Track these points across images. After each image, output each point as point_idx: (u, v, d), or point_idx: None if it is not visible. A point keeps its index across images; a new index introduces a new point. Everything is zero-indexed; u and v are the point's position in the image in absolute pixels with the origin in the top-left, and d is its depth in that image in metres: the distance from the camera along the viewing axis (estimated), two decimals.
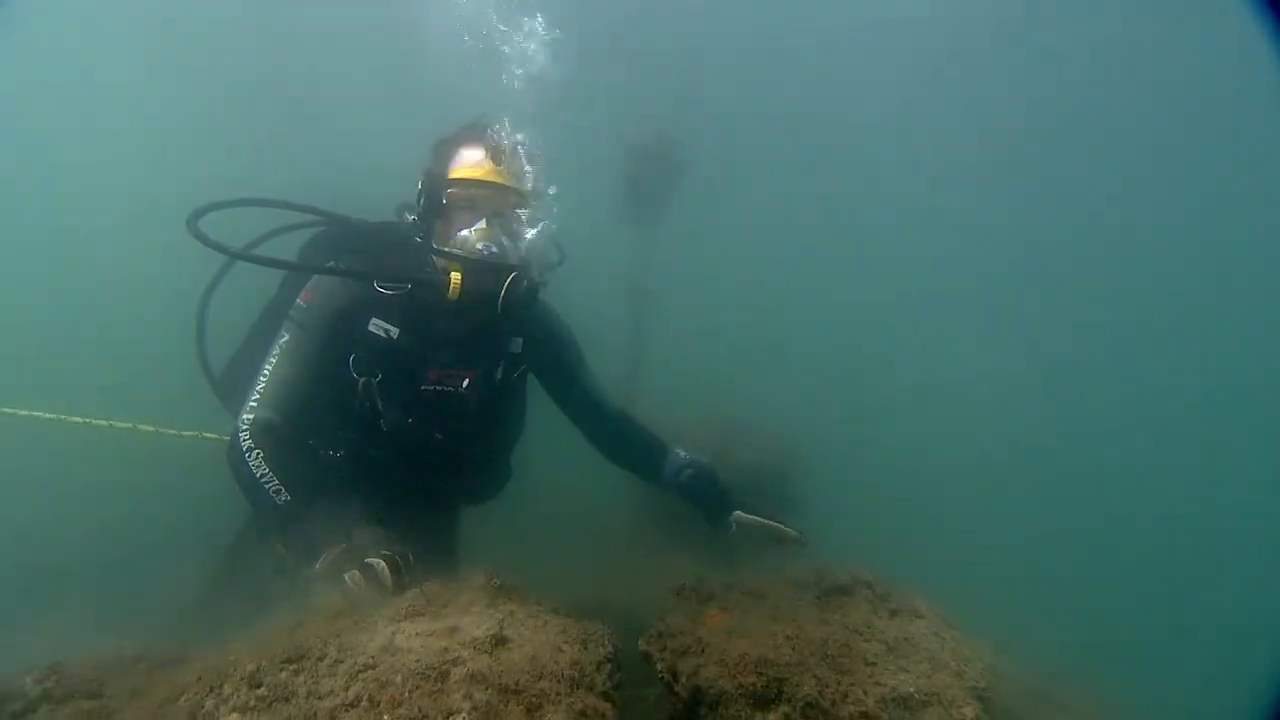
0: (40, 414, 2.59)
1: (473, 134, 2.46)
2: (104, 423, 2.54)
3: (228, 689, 1.26)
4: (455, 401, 2.47)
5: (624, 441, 2.84)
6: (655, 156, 6.66)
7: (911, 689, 1.47)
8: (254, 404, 2.34)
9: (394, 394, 2.41)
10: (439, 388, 2.46)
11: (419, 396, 2.44)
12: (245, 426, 2.31)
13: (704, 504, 2.66)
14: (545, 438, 2.93)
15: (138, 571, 2.68)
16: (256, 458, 2.24)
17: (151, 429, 2.62)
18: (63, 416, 2.56)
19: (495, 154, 2.40)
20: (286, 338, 2.37)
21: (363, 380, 2.36)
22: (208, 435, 2.71)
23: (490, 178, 2.38)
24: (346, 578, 1.95)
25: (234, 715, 1.17)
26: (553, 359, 2.75)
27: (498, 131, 2.43)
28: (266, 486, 2.20)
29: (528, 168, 2.43)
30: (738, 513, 2.57)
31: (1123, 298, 13.97)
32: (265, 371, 2.35)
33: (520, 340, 2.62)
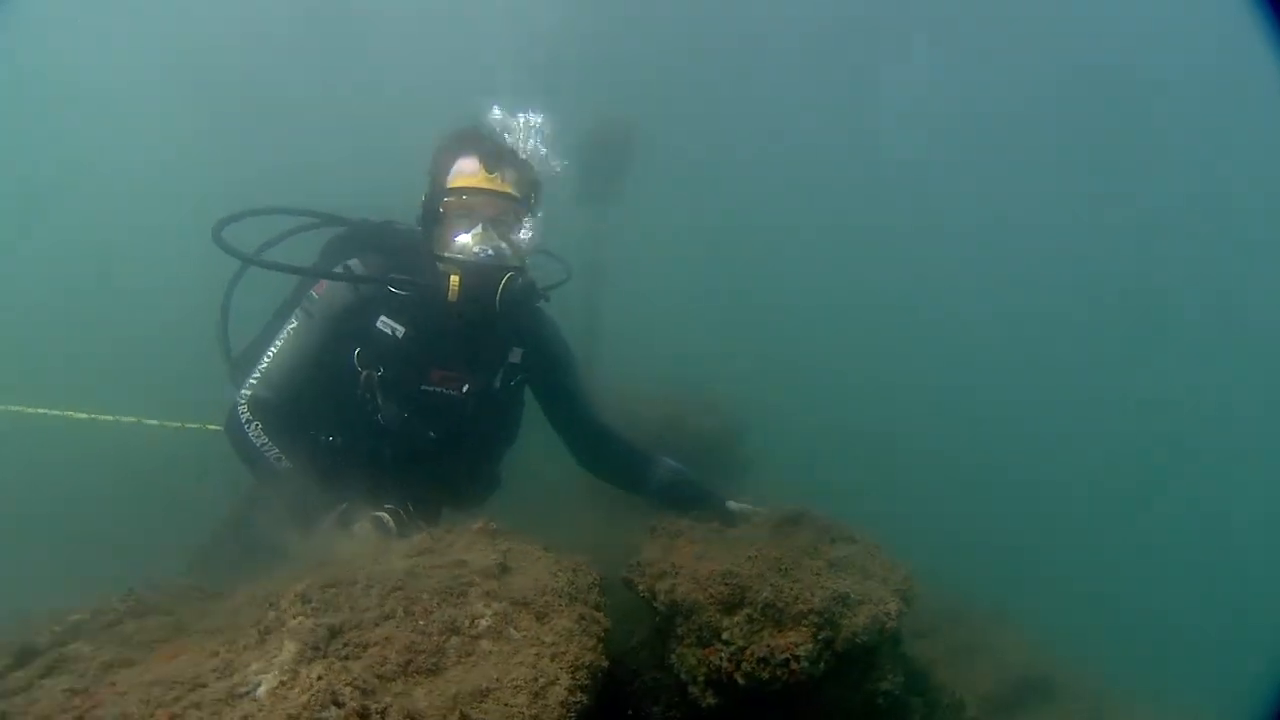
0: (48, 411, 2.64)
1: (468, 142, 2.55)
2: (110, 418, 2.62)
3: (283, 604, 1.48)
4: (453, 404, 2.58)
5: (608, 455, 2.88)
6: (611, 139, 6.83)
7: (848, 591, 1.81)
8: (254, 381, 2.49)
9: (394, 390, 2.52)
10: (439, 389, 2.57)
11: (419, 395, 2.55)
12: (243, 401, 2.46)
13: (693, 505, 2.62)
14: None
15: (137, 548, 2.78)
16: (255, 429, 2.40)
17: (155, 423, 2.70)
18: (69, 413, 2.63)
19: (490, 162, 2.50)
20: (295, 324, 2.50)
21: (365, 374, 2.47)
22: (211, 426, 2.81)
23: (485, 185, 2.48)
24: (356, 528, 2.15)
25: (299, 618, 1.39)
26: (549, 372, 2.83)
27: (493, 138, 2.55)
28: (267, 454, 2.36)
29: (523, 171, 2.56)
30: (730, 503, 2.59)
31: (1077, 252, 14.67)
32: (269, 353, 2.49)
33: (520, 351, 2.71)
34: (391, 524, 2.17)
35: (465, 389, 2.58)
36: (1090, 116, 13.01)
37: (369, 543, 2.10)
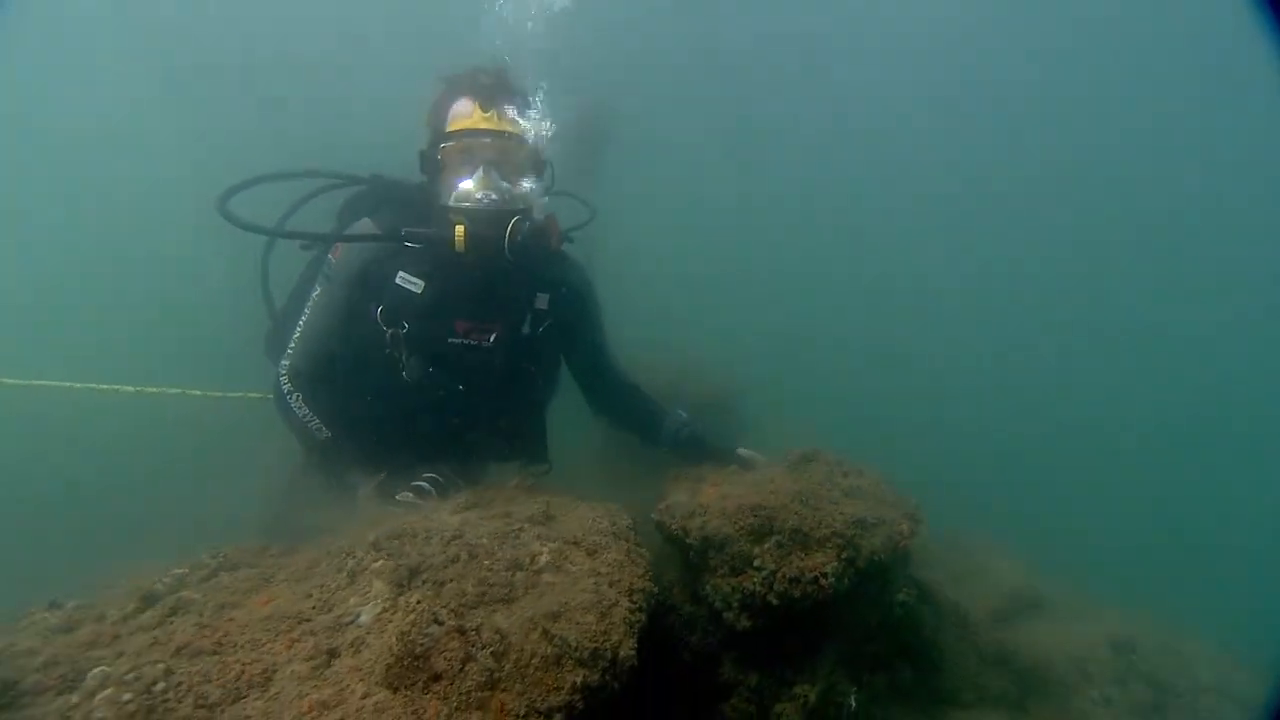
0: (99, 386, 2.71)
1: (462, 84, 2.45)
2: (155, 390, 2.68)
3: (359, 553, 1.62)
4: (482, 355, 2.53)
5: (628, 408, 2.87)
6: (587, 121, 6.83)
7: (865, 515, 1.99)
8: (290, 353, 2.55)
9: (420, 345, 2.47)
10: (465, 341, 2.50)
11: (445, 349, 2.50)
12: (284, 373, 2.52)
13: (706, 455, 2.68)
14: None
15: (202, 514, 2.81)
16: (297, 400, 2.47)
17: (199, 393, 2.76)
18: (117, 387, 2.69)
19: (485, 101, 2.39)
20: (318, 291, 2.53)
21: (390, 332, 2.44)
22: (252, 394, 2.87)
23: (481, 125, 2.37)
24: (399, 496, 2.25)
25: (380, 562, 1.53)
26: (576, 318, 2.73)
27: (489, 76, 2.43)
28: (309, 425, 2.44)
29: (526, 114, 2.44)
30: (740, 450, 2.65)
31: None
32: (300, 324, 2.53)
33: (547, 296, 2.63)
34: (433, 491, 2.27)
35: (493, 338, 2.53)
36: (1099, 106, 13.10)
37: (413, 509, 2.20)
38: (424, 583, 1.54)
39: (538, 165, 2.51)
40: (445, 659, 1.23)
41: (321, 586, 1.48)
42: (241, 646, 1.20)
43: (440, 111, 2.50)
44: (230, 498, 2.54)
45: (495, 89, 2.43)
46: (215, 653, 1.16)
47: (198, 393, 2.77)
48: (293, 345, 2.53)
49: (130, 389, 2.64)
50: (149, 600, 1.37)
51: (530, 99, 2.50)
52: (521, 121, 2.44)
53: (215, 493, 2.56)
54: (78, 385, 2.68)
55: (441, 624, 1.29)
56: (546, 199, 2.54)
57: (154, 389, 2.65)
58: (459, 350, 2.52)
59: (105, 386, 2.69)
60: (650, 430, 2.81)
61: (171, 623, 1.29)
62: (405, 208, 2.52)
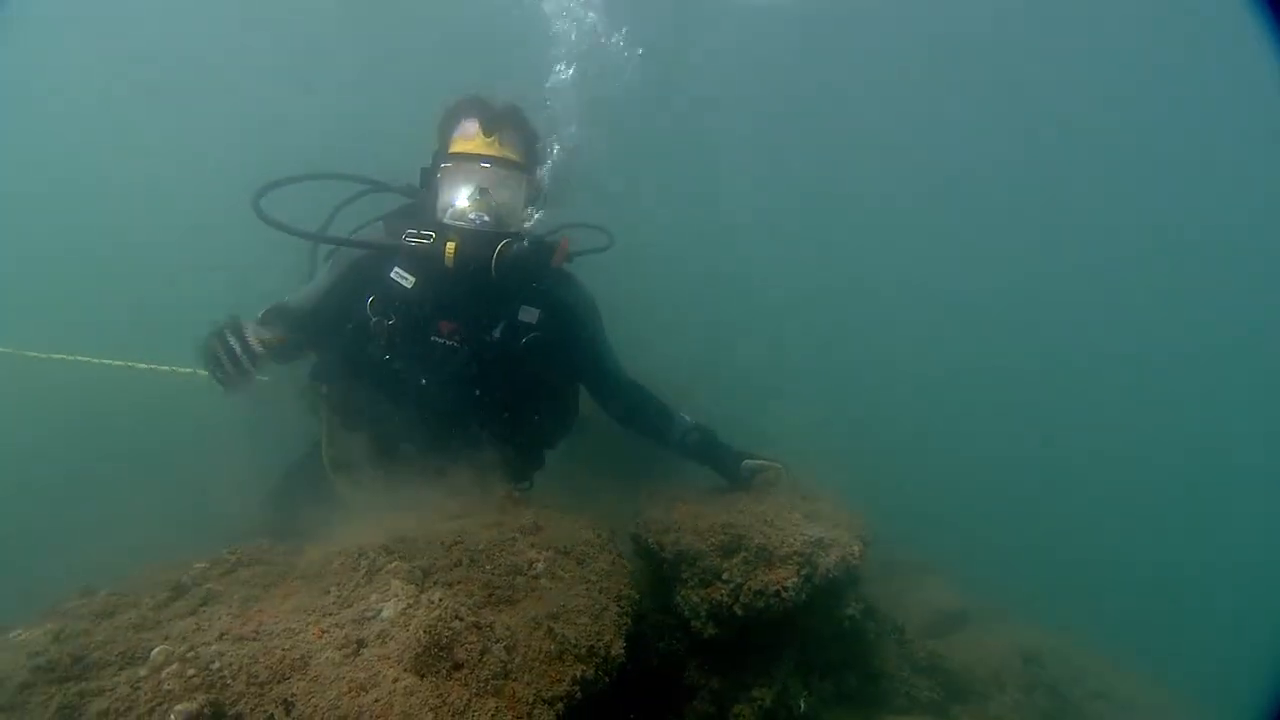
0: (112, 361, 2.68)
1: (468, 107, 2.56)
2: (167, 369, 2.66)
3: (372, 553, 1.74)
4: (459, 356, 2.65)
5: (636, 409, 2.93)
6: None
7: (822, 535, 2.23)
8: (283, 299, 2.65)
9: (404, 338, 2.61)
10: (446, 341, 2.63)
11: (427, 345, 2.64)
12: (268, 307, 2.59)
13: (713, 460, 2.77)
14: None
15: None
16: (256, 322, 2.41)
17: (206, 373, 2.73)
18: (130, 363, 2.67)
19: (488, 127, 2.52)
20: (324, 271, 2.74)
21: (375, 320, 2.59)
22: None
23: (482, 150, 2.50)
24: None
25: (395, 562, 1.66)
26: (569, 333, 2.79)
27: (494, 103, 2.57)
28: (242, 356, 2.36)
29: (529, 143, 2.61)
30: (747, 460, 2.69)
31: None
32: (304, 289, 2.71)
33: (536, 312, 2.71)
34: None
35: (468, 341, 2.65)
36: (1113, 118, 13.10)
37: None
38: (435, 583, 1.68)
39: (535, 191, 2.66)
40: (466, 650, 1.38)
41: (339, 584, 1.60)
42: (278, 635, 1.31)
43: (446, 130, 2.63)
44: (218, 490, 2.57)
45: (500, 116, 2.56)
46: (255, 639, 1.27)
47: (205, 373, 2.75)
48: (289, 295, 2.65)
49: (143, 365, 2.62)
50: (179, 591, 1.45)
51: (535, 130, 2.66)
52: (521, 149, 2.60)
53: (204, 483, 2.58)
54: (89, 359, 2.65)
55: (462, 619, 1.43)
56: (536, 217, 2.69)
57: (166, 367, 2.64)
58: (439, 349, 2.64)
59: (115, 361, 2.67)
60: (661, 434, 2.90)
61: (205, 611, 1.38)
62: (411, 216, 2.66)
